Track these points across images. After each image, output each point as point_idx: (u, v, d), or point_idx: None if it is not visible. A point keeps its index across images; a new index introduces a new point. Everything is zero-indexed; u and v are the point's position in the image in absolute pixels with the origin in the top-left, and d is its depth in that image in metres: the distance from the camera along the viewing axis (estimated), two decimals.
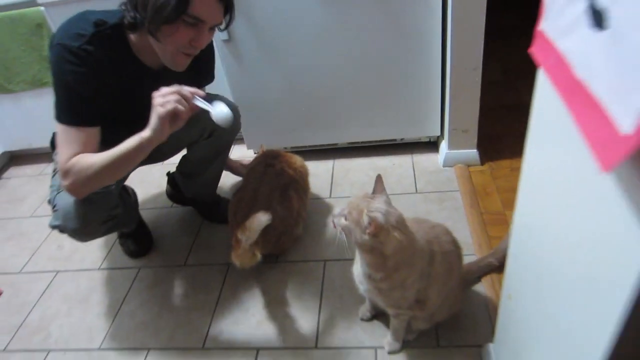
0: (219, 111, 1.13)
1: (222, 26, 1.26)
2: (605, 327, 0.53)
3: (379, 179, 1.10)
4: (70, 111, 1.17)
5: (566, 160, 0.62)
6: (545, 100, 0.68)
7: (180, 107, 1.06)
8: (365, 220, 0.96)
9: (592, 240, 0.57)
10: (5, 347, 1.46)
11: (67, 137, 1.17)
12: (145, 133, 1.09)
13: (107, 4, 1.67)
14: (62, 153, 1.15)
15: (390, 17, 1.66)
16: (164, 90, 1.08)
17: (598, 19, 0.46)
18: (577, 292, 0.63)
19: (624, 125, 0.41)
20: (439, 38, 1.69)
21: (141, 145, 1.10)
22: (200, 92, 1.12)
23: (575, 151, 0.56)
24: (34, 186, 2.28)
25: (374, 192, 1.09)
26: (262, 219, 1.21)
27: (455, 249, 1.20)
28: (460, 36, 1.59)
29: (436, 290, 1.12)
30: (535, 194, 0.81)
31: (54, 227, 1.30)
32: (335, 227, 1.04)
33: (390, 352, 1.25)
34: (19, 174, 2.41)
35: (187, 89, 1.09)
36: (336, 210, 1.06)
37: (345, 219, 1.01)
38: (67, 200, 1.26)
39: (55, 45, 1.14)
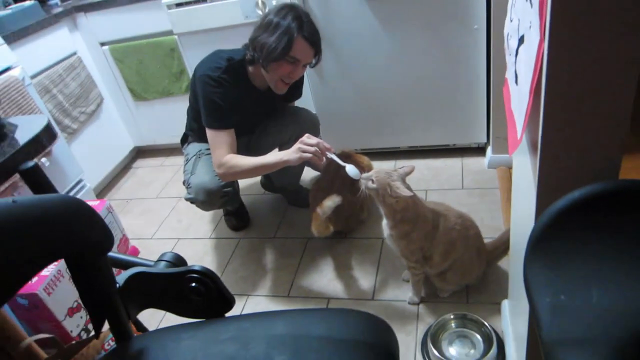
0: (351, 168, 1.56)
1: (312, 65, 1.77)
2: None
3: (409, 167, 1.50)
4: (217, 119, 1.72)
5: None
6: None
7: (314, 159, 1.56)
8: (390, 188, 1.41)
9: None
10: None
11: (217, 139, 1.72)
12: (285, 157, 1.61)
13: (221, 36, 2.24)
14: (218, 151, 1.72)
15: (444, 45, 2.06)
16: (308, 140, 1.57)
17: (516, 77, 0.85)
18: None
19: (518, 133, 0.81)
20: (484, 61, 2.05)
21: (278, 163, 1.64)
22: (332, 149, 1.60)
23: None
24: (157, 174, 2.88)
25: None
26: (335, 199, 1.65)
27: (466, 231, 1.54)
28: (500, 62, 1.94)
29: (438, 252, 1.50)
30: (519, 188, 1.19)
31: (187, 199, 1.84)
32: (363, 186, 1.46)
33: (410, 303, 1.65)
34: (144, 165, 3.04)
35: (325, 144, 1.57)
36: (365, 175, 1.48)
37: (373, 182, 1.43)
38: (198, 180, 1.79)
39: (201, 76, 1.69)
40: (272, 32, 1.63)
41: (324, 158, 1.59)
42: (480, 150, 2.36)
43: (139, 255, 2.22)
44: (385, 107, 2.30)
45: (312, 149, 1.55)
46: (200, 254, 2.14)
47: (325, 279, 1.85)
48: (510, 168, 2.20)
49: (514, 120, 0.86)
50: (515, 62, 0.87)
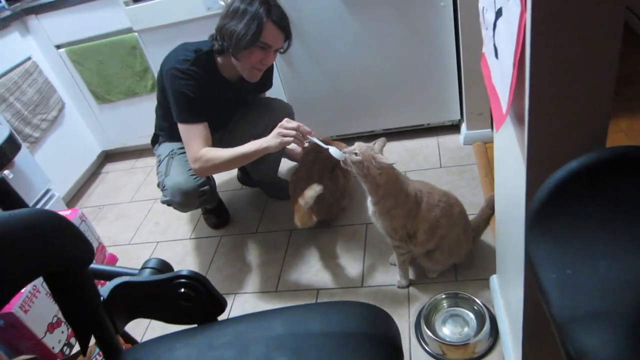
0: (334, 150, 1.50)
1: (282, 50, 1.73)
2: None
3: (382, 140, 1.51)
4: (190, 112, 1.66)
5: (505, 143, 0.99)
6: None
7: (296, 142, 1.52)
8: (374, 159, 1.41)
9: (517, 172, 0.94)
10: None
11: (191, 133, 1.65)
12: (264, 143, 1.55)
13: (184, 29, 2.17)
14: (193, 146, 1.65)
15: (411, 24, 2.04)
16: (288, 124, 1.53)
17: (495, 51, 0.84)
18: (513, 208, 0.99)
19: (503, 107, 0.79)
20: (453, 38, 2.04)
21: (257, 151, 1.58)
22: (312, 132, 1.55)
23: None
24: (129, 178, 2.80)
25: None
26: (316, 188, 1.63)
27: (450, 209, 1.54)
28: (469, 36, 1.94)
29: (423, 230, 1.49)
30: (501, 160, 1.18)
31: (163, 202, 1.78)
32: (345, 161, 1.44)
33: (399, 287, 1.64)
34: (114, 169, 2.94)
35: (306, 128, 1.53)
36: (348, 149, 1.46)
37: (357, 155, 1.41)
38: (173, 181, 1.73)
39: (169, 70, 1.63)
40: (240, 18, 1.57)
41: (305, 142, 1.56)
42: (454, 128, 2.36)
43: (118, 263, 2.15)
44: (357, 91, 2.28)
45: (293, 132, 1.51)
46: (182, 255, 2.09)
47: (312, 270, 1.83)
48: (485, 143, 2.21)
49: (497, 95, 0.84)
50: (494, 36, 0.85)
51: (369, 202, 1.53)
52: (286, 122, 1.54)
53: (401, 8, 2.00)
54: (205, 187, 1.76)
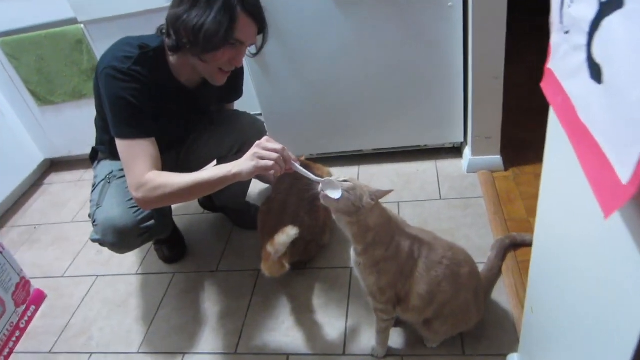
0: (329, 186, 1.09)
1: (255, 49, 1.38)
2: (627, 347, 0.56)
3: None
4: (131, 124, 1.27)
5: (577, 184, 0.65)
6: (557, 135, 0.70)
7: (276, 169, 1.12)
8: (365, 196, 1.08)
9: (608, 262, 0.60)
10: (51, 349, 1.56)
11: (133, 151, 1.26)
12: (235, 169, 1.14)
13: (139, 23, 1.77)
14: (135, 168, 1.24)
15: (412, 27, 1.69)
16: (268, 144, 1.13)
17: (596, 71, 0.49)
18: (597, 309, 0.66)
19: (622, 175, 0.45)
20: (461, 47, 1.71)
21: (225, 178, 1.17)
22: (297, 159, 1.18)
23: (585, 183, 0.59)
24: (74, 192, 2.39)
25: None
26: (290, 233, 1.27)
27: (457, 268, 1.19)
28: (481, 46, 1.61)
29: (418, 293, 1.15)
30: (553, 213, 0.84)
31: (94, 240, 1.39)
32: (323, 199, 1.08)
33: (375, 357, 1.31)
34: (59, 180, 2.53)
35: (289, 153, 1.15)
36: (325, 184, 1.08)
37: (348, 182, 1.08)
38: (105, 215, 1.35)
39: (106, 68, 1.24)
40: (205, 8, 1.18)
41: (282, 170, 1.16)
42: (455, 151, 2.03)
43: (47, 301, 1.75)
44: (344, 103, 1.92)
45: (274, 155, 1.12)
46: (124, 296, 1.70)
47: (282, 328, 1.46)
48: (493, 172, 1.88)
49: (599, 149, 0.50)
50: (590, 45, 0.51)
51: (353, 250, 1.18)
52: (266, 141, 1.15)
53: (400, 7, 1.66)
54: (149, 223, 1.38)
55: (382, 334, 1.28)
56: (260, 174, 1.16)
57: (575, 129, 0.55)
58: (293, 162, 1.16)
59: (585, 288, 0.72)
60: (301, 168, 1.16)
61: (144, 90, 1.28)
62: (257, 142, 1.15)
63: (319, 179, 1.12)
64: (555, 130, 0.76)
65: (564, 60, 0.58)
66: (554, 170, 0.81)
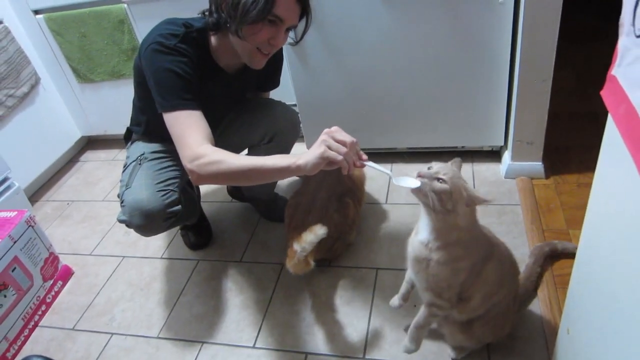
0: (405, 180, 1.01)
1: (296, 36, 1.36)
2: None
3: (458, 161, 1.09)
4: (181, 96, 1.23)
5: (635, 201, 0.59)
6: (614, 146, 0.64)
7: (343, 165, 1.05)
8: (467, 191, 0.98)
9: None
10: (74, 326, 1.58)
11: (186, 121, 1.21)
12: (299, 161, 1.08)
13: (181, 5, 1.77)
14: (189, 138, 1.18)
15: (458, 23, 1.62)
16: (338, 134, 1.06)
17: None
18: None
19: None
20: (509, 46, 1.62)
21: (288, 169, 1.10)
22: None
23: None
24: (108, 170, 2.42)
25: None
26: (318, 232, 1.23)
27: (511, 267, 1.17)
28: (530, 48, 1.53)
29: (481, 293, 1.09)
30: (603, 229, 0.78)
31: (121, 221, 1.39)
32: (419, 187, 0.98)
33: (406, 352, 1.22)
34: (94, 158, 2.57)
35: (358, 148, 1.09)
36: (426, 172, 0.99)
37: (443, 182, 0.97)
38: (133, 197, 1.34)
39: (152, 44, 1.23)
40: None
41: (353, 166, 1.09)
42: (494, 155, 1.95)
43: (73, 278, 1.78)
44: (381, 98, 1.86)
45: (343, 149, 1.04)
46: (148, 279, 1.71)
47: (302, 325, 1.43)
48: (532, 179, 1.80)
49: None
50: None
51: (421, 241, 1.06)
52: (336, 131, 1.08)
53: (448, 2, 1.58)
54: (176, 208, 1.37)
55: (423, 330, 1.17)
56: (325, 168, 1.07)
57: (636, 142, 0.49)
58: (364, 160, 1.09)
59: (632, 317, 0.65)
60: (374, 164, 1.08)
61: (192, 65, 1.27)
62: (326, 130, 1.09)
63: (389, 172, 1.06)
64: (612, 141, 0.69)
65: (632, 67, 0.52)
66: (608, 184, 0.75)
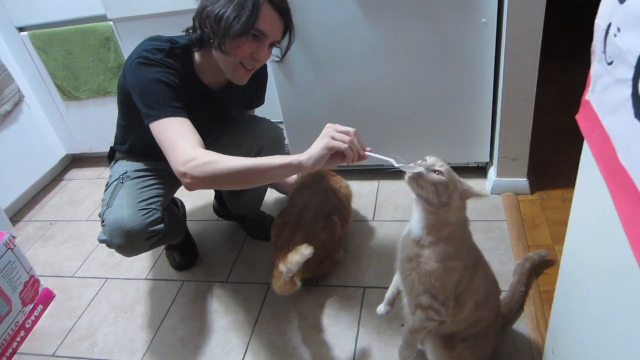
0: (404, 166, 1.03)
1: (280, 53, 1.38)
2: None
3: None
4: (170, 104, 1.21)
5: (609, 223, 0.59)
6: (590, 168, 0.64)
7: (348, 153, 1.07)
8: (461, 185, 0.99)
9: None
10: (54, 352, 1.53)
11: (177, 128, 1.18)
12: (301, 157, 1.08)
13: (168, 23, 1.77)
14: (180, 143, 1.15)
15: (442, 41, 1.64)
16: (339, 126, 1.09)
17: None
18: (626, 353, 0.59)
19: None
20: (492, 65, 1.64)
21: (289, 165, 1.09)
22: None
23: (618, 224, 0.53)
24: (92, 189, 2.39)
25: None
26: (304, 252, 1.22)
27: (495, 285, 1.18)
28: (513, 66, 1.55)
29: (472, 301, 1.08)
30: (582, 249, 0.78)
31: (102, 241, 1.37)
32: (421, 177, 0.98)
33: (401, 358, 1.17)
34: (78, 177, 2.54)
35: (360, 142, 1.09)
36: (424, 161, 1.01)
37: (440, 174, 0.97)
38: (114, 216, 1.32)
39: (137, 59, 1.23)
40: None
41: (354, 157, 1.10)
42: (479, 171, 1.96)
43: (54, 302, 1.74)
44: (367, 116, 1.87)
45: (347, 138, 1.06)
46: (132, 301, 1.68)
47: (289, 346, 1.41)
48: (518, 195, 1.80)
49: (638, 194, 0.44)
50: (637, 79, 0.45)
51: (416, 240, 1.04)
52: (336, 124, 1.10)
53: (431, 20, 1.60)
54: (158, 227, 1.35)
55: (418, 334, 1.13)
56: (328, 165, 1.09)
57: (612, 169, 0.49)
58: (367, 149, 1.09)
59: (613, 334, 0.65)
60: (377, 155, 1.08)
61: (178, 77, 1.27)
62: (328, 124, 1.10)
63: (388, 158, 1.05)
64: (588, 164, 0.70)
65: (604, 94, 0.52)
66: (585, 205, 0.75)
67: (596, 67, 0.55)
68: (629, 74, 0.46)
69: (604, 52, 0.52)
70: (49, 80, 2.29)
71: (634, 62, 0.45)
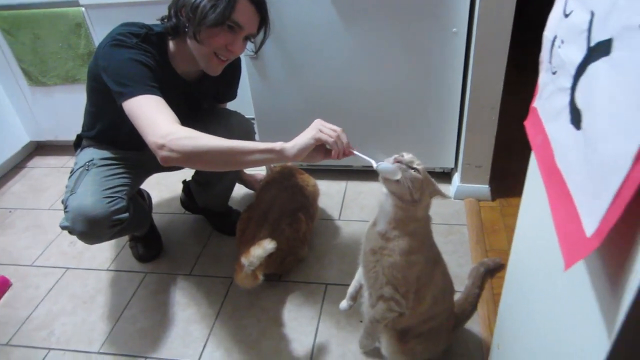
0: (385, 166, 1.02)
1: (255, 47, 1.40)
2: None
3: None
4: (148, 82, 1.20)
5: (547, 226, 0.63)
6: (536, 174, 0.68)
7: (334, 147, 1.10)
8: (432, 184, 1.04)
9: (572, 305, 0.57)
10: (8, 341, 1.50)
11: (154, 105, 1.16)
12: (286, 144, 1.11)
13: (141, 11, 1.75)
14: (159, 118, 1.13)
15: (414, 48, 1.68)
16: (327, 123, 1.13)
17: (576, 117, 0.47)
18: (560, 349, 0.63)
19: (587, 227, 0.42)
20: (461, 73, 1.70)
21: (271, 150, 1.11)
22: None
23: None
24: (56, 178, 2.35)
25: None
26: (267, 246, 1.24)
27: (450, 284, 1.23)
28: (480, 76, 1.60)
29: (431, 296, 1.12)
30: (524, 253, 0.82)
31: (63, 227, 1.35)
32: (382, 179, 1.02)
33: (362, 348, 1.26)
34: (42, 165, 2.48)
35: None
36: (406, 157, 1.03)
37: (417, 172, 1.00)
38: (78, 202, 1.31)
39: (111, 41, 1.23)
40: None
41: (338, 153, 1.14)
42: (444, 176, 2.01)
43: (11, 288, 1.70)
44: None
45: (334, 134, 1.11)
46: (92, 292, 1.65)
47: (249, 340, 1.42)
48: (479, 201, 1.86)
49: (569, 197, 0.47)
50: (574, 90, 0.49)
51: (382, 233, 1.07)
52: (322, 121, 1.14)
53: (404, 27, 1.64)
54: (123, 215, 1.34)
55: (378, 325, 1.16)
56: (309, 158, 1.13)
57: (550, 173, 0.53)
58: (352, 148, 1.13)
59: (546, 330, 0.69)
60: (361, 154, 1.11)
61: (154, 61, 1.27)
62: (317, 119, 1.14)
63: (370, 159, 1.07)
64: (534, 169, 0.74)
65: (548, 101, 0.56)
66: (529, 210, 0.80)
67: (543, 77, 0.59)
68: (569, 83, 0.50)
69: (550, 62, 0.56)
70: (14, 64, 2.23)
71: (573, 72, 0.49)
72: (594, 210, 0.42)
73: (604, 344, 0.47)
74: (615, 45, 0.41)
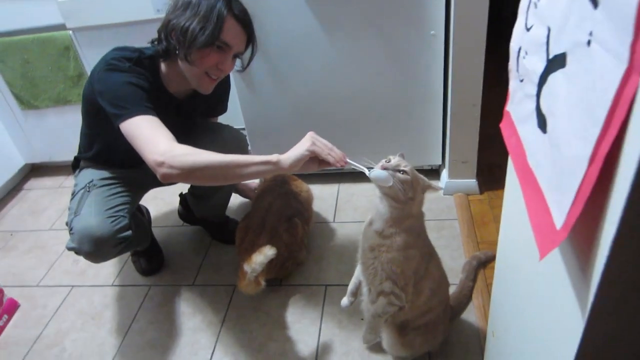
0: (378, 173, 1.06)
1: (243, 64, 1.45)
2: None
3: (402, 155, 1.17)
4: (144, 103, 1.26)
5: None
6: (513, 172, 0.74)
7: (330, 160, 1.16)
8: (423, 181, 1.10)
9: (551, 290, 0.63)
10: None
11: (151, 124, 1.21)
12: (281, 155, 1.15)
13: (128, 33, 1.80)
14: (157, 136, 1.18)
15: (395, 52, 1.74)
16: (321, 138, 1.18)
17: (542, 121, 0.53)
18: (548, 332, 0.69)
19: (557, 220, 0.48)
20: (442, 74, 1.76)
21: (268, 162, 1.15)
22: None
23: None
24: (53, 198, 2.38)
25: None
26: (267, 253, 1.29)
27: (445, 277, 1.28)
28: (460, 74, 1.66)
29: (429, 288, 1.18)
30: (511, 243, 0.88)
31: (70, 249, 1.39)
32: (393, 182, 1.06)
33: (366, 343, 1.31)
34: (38, 186, 2.51)
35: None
36: (389, 162, 1.09)
37: (405, 174, 1.05)
38: (82, 224, 1.35)
39: (106, 66, 1.28)
40: (194, 12, 1.25)
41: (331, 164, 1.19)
42: (433, 173, 2.08)
43: (19, 309, 1.74)
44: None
45: (329, 145, 1.17)
46: (100, 307, 1.70)
47: (254, 344, 1.47)
48: (468, 195, 1.93)
49: (541, 193, 0.54)
50: (539, 97, 0.55)
51: (379, 231, 1.12)
52: (316, 136, 1.18)
53: (384, 32, 1.71)
54: (126, 233, 1.39)
55: (380, 319, 1.22)
56: (304, 169, 1.17)
57: (524, 171, 0.59)
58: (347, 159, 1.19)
59: (532, 315, 0.75)
60: (353, 162, 1.17)
61: (148, 84, 1.32)
62: (311, 132, 1.19)
63: (363, 167, 1.12)
64: (512, 167, 0.80)
65: (519, 105, 0.62)
66: (512, 204, 0.85)
67: (512, 84, 0.65)
68: (534, 90, 0.56)
69: (517, 70, 0.62)
70: (5, 89, 2.27)
71: (536, 80, 0.55)
72: (561, 205, 0.48)
73: (579, 323, 0.53)
74: (569, 59, 0.47)
